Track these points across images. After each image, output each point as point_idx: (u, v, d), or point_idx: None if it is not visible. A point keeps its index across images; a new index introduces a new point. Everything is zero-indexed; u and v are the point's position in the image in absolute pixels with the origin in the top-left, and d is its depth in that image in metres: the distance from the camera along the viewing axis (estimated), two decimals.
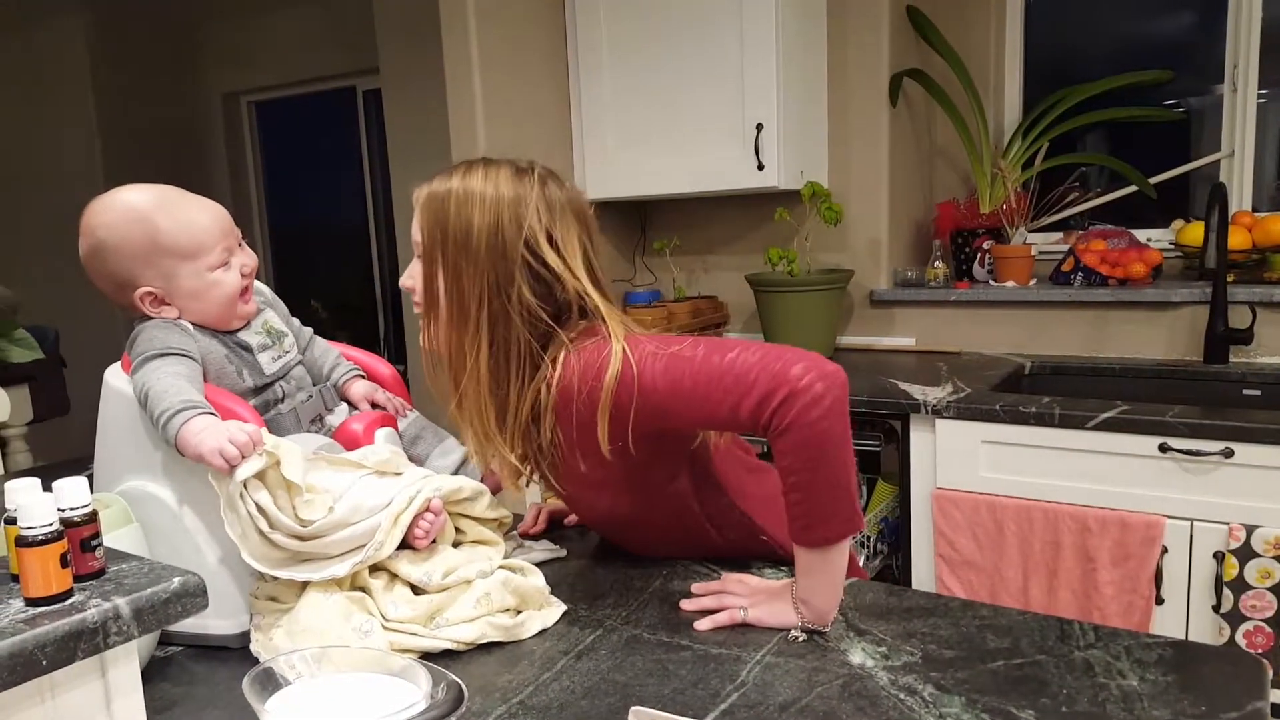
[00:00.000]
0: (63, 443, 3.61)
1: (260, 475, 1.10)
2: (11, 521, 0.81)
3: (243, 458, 1.09)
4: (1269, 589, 1.92)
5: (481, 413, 1.26)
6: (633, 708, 0.88)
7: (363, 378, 1.44)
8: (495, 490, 1.39)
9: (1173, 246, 2.80)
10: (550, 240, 1.23)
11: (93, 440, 1.27)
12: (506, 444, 1.27)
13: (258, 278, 1.35)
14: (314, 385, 1.37)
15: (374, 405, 1.41)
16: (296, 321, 1.42)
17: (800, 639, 1.15)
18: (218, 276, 1.25)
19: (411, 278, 1.29)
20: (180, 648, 1.19)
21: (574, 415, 1.21)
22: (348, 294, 4.99)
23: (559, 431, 1.24)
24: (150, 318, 1.25)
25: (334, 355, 1.44)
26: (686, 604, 1.25)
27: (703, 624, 1.19)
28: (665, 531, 1.37)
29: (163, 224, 1.22)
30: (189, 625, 1.16)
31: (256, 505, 1.10)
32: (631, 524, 1.37)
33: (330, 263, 5.16)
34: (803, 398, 1.08)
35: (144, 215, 1.22)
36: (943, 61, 2.97)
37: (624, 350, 1.18)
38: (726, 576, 1.29)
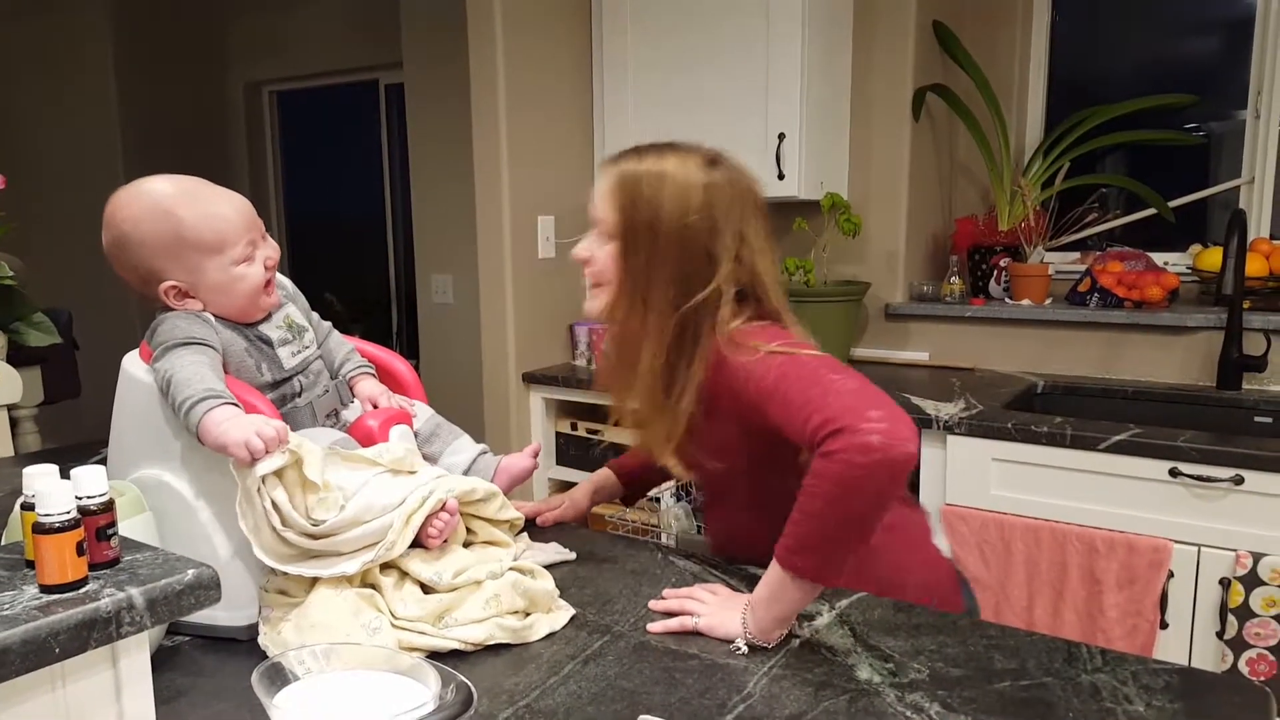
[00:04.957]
0: (71, 425, 3.63)
1: (278, 472, 1.10)
2: (29, 507, 0.82)
3: (266, 452, 1.09)
4: (1274, 617, 1.91)
5: (652, 387, 1.32)
6: (640, 716, 0.88)
7: (372, 375, 1.42)
8: (509, 488, 1.39)
9: (1190, 271, 2.79)
10: (738, 235, 1.31)
11: (102, 424, 1.27)
12: (668, 417, 1.33)
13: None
14: (330, 380, 1.37)
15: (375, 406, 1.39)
16: (316, 315, 1.42)
17: (742, 651, 1.15)
18: (242, 270, 1.25)
19: (589, 250, 1.36)
20: (188, 638, 1.19)
21: (721, 394, 1.29)
22: (363, 288, 5.00)
23: (706, 405, 1.32)
24: (173, 309, 1.25)
25: (346, 349, 1.44)
26: (654, 604, 1.26)
27: (655, 626, 1.20)
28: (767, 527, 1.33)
29: (186, 218, 1.21)
30: (198, 616, 1.16)
31: (272, 502, 1.10)
32: (745, 508, 1.43)
33: (346, 256, 5.17)
34: (857, 438, 1.07)
35: (167, 209, 1.21)
36: (967, 77, 2.96)
37: (768, 349, 1.24)
38: (699, 586, 1.29)
